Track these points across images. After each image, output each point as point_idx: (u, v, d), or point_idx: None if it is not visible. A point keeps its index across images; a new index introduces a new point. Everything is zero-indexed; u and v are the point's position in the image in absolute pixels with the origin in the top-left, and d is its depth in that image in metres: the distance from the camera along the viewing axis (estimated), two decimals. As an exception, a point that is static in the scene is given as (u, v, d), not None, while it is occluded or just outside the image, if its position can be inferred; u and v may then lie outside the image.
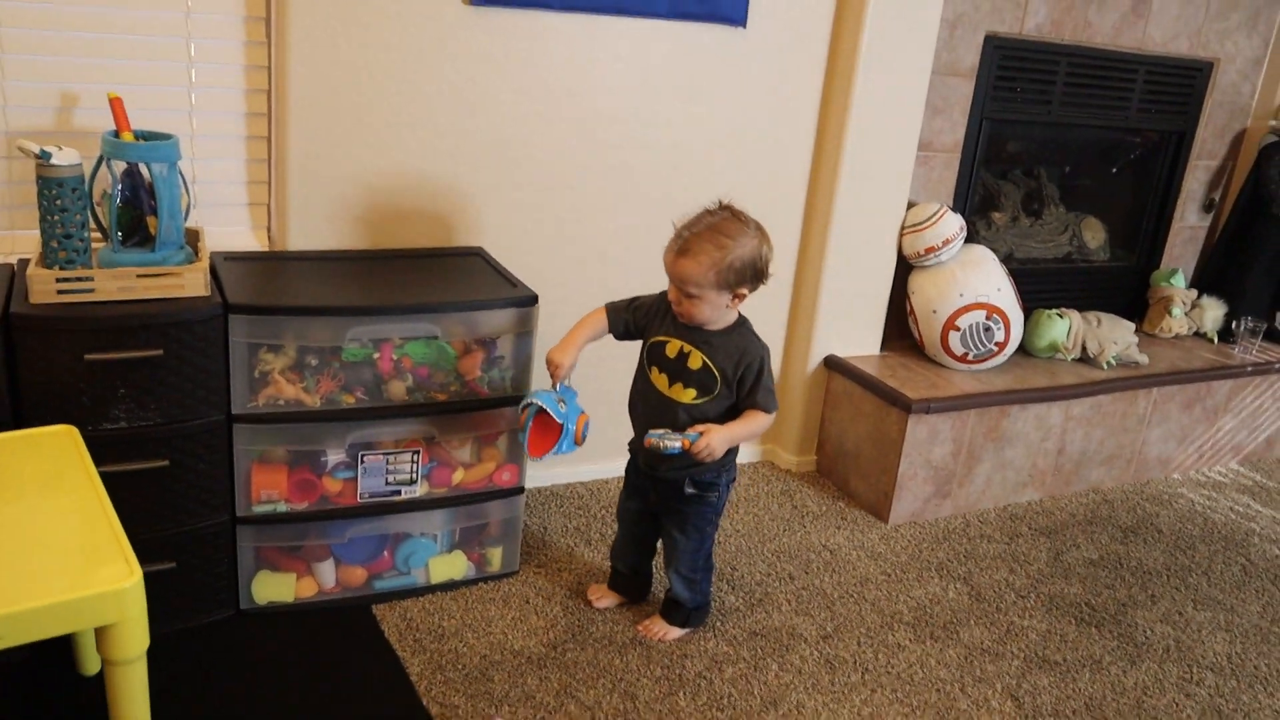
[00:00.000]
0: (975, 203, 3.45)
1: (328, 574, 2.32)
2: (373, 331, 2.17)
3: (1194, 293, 3.83)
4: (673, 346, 2.18)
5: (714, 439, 2.10)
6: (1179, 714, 2.32)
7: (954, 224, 3.04)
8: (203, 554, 2.17)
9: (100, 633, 1.49)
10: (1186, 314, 3.77)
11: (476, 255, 2.55)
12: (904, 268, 3.17)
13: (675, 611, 2.35)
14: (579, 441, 2.19)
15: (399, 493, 2.29)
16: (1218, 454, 3.67)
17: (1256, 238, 3.77)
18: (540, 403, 2.13)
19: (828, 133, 2.95)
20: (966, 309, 3.03)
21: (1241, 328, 3.75)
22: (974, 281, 3.05)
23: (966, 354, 3.10)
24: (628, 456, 2.35)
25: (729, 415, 2.18)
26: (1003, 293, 3.08)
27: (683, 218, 2.12)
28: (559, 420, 2.13)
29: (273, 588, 2.27)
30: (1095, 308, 3.57)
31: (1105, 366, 3.34)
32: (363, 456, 2.23)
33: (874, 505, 3.01)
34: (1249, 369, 3.59)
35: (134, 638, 1.50)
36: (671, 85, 2.73)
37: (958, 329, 3.05)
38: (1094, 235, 3.79)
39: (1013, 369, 3.22)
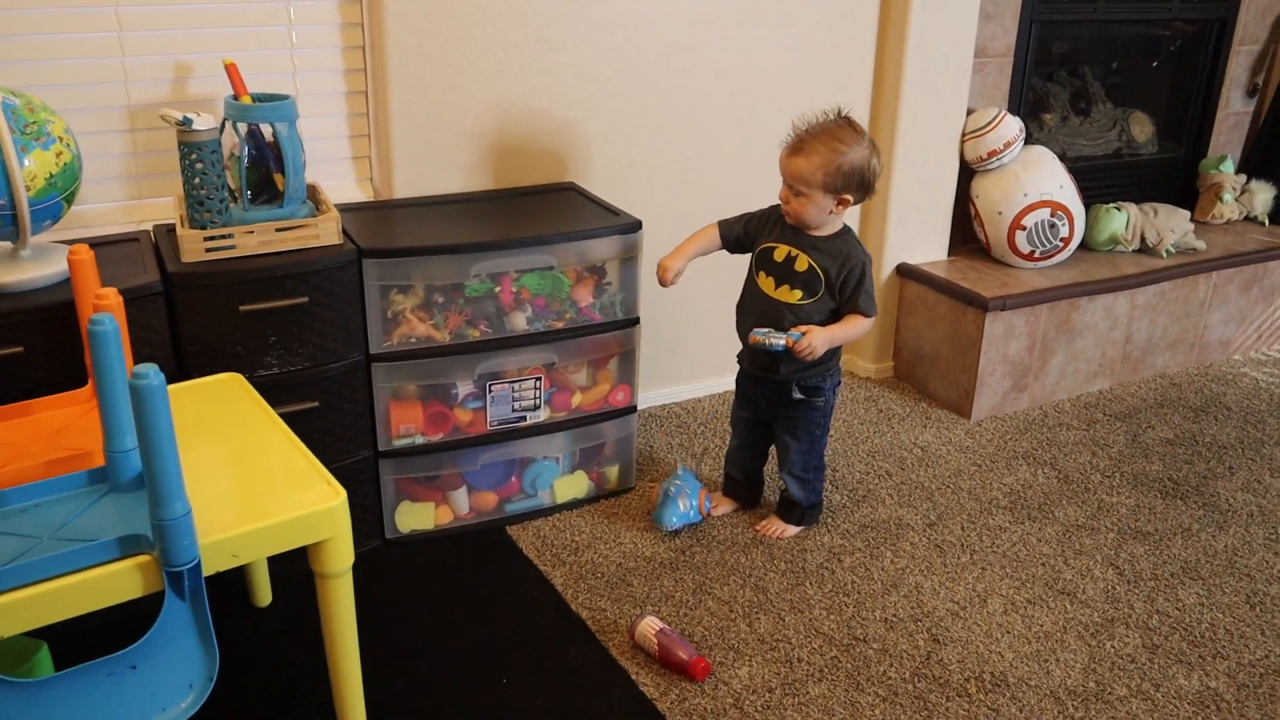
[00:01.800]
0: (1027, 105, 3.53)
1: (462, 501, 2.47)
2: (492, 266, 2.30)
3: (1243, 178, 3.91)
4: (780, 251, 2.31)
5: (815, 338, 2.24)
6: (1270, 570, 2.46)
7: (1014, 126, 3.14)
8: (351, 488, 2.28)
9: (313, 549, 1.64)
10: (1237, 199, 3.86)
11: (570, 190, 2.67)
12: (964, 173, 3.27)
13: (791, 510, 2.49)
14: (703, 514, 2.53)
15: (524, 418, 2.44)
16: (1276, 333, 3.78)
17: (1301, 119, 3.84)
18: (673, 525, 2.49)
19: (888, 45, 3.04)
20: (1032, 208, 3.14)
21: (1292, 209, 3.84)
22: (1037, 180, 3.15)
23: (1033, 252, 3.21)
24: (719, 376, 2.46)
25: (831, 319, 2.31)
26: (1065, 190, 3.18)
27: (801, 118, 2.24)
28: (692, 522, 2.52)
29: (414, 517, 2.43)
30: (1148, 199, 3.66)
31: (1165, 255, 3.44)
32: (490, 386, 2.37)
33: (955, 403, 3.14)
34: (1302, 248, 3.68)
35: (343, 551, 1.65)
36: (735, 10, 2.82)
37: (1024, 228, 3.16)
38: (1141, 129, 3.87)
39: (1077, 264, 3.33)
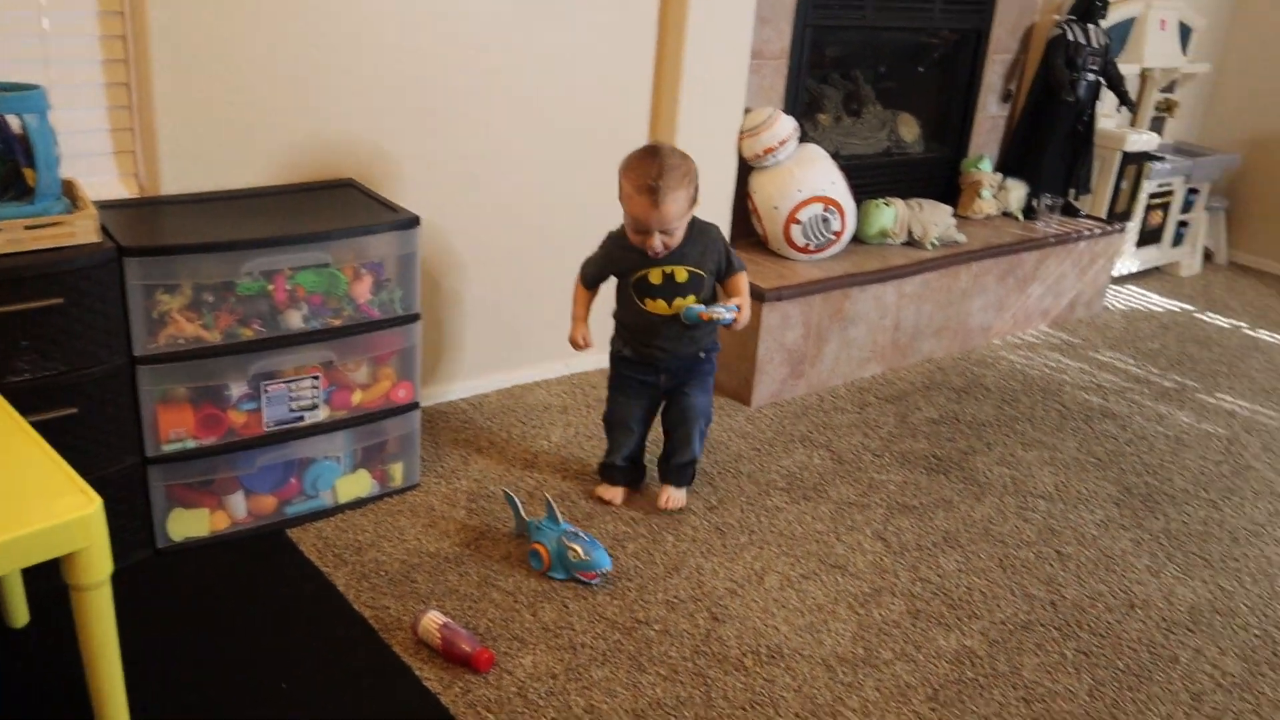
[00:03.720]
0: (802, 106, 3.68)
1: (239, 505, 2.40)
2: (265, 264, 2.24)
3: (999, 176, 4.20)
4: (655, 274, 2.43)
5: (746, 313, 2.49)
6: (1020, 536, 2.67)
7: (788, 125, 3.28)
8: (117, 497, 2.21)
9: (67, 561, 1.57)
10: (994, 196, 4.14)
11: (349, 186, 2.63)
12: (743, 170, 3.39)
13: (685, 473, 2.66)
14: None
15: (302, 418, 2.39)
16: (1029, 318, 4.08)
17: (1049, 122, 4.15)
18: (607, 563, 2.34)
19: (666, 47, 3.12)
20: (806, 203, 3.29)
21: (1042, 204, 4.16)
22: (810, 177, 3.30)
23: (808, 245, 3.36)
24: (504, 371, 2.73)
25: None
26: (836, 186, 3.35)
27: (629, 168, 2.35)
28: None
29: (187, 524, 2.35)
30: (915, 195, 3.88)
31: (930, 247, 3.66)
32: (265, 387, 2.32)
33: (736, 391, 3.26)
34: (1051, 240, 3.99)
35: (99, 561, 1.59)
36: (515, 8, 2.84)
37: (799, 222, 3.31)
38: (909, 130, 4.10)
39: (849, 256, 3.50)
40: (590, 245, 3.20)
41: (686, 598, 2.31)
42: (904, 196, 3.82)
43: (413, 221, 2.40)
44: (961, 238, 3.75)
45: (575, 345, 2.57)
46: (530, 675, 2.04)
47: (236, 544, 2.38)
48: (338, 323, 2.37)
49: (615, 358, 2.61)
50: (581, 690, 2.01)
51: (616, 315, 2.57)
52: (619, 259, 2.48)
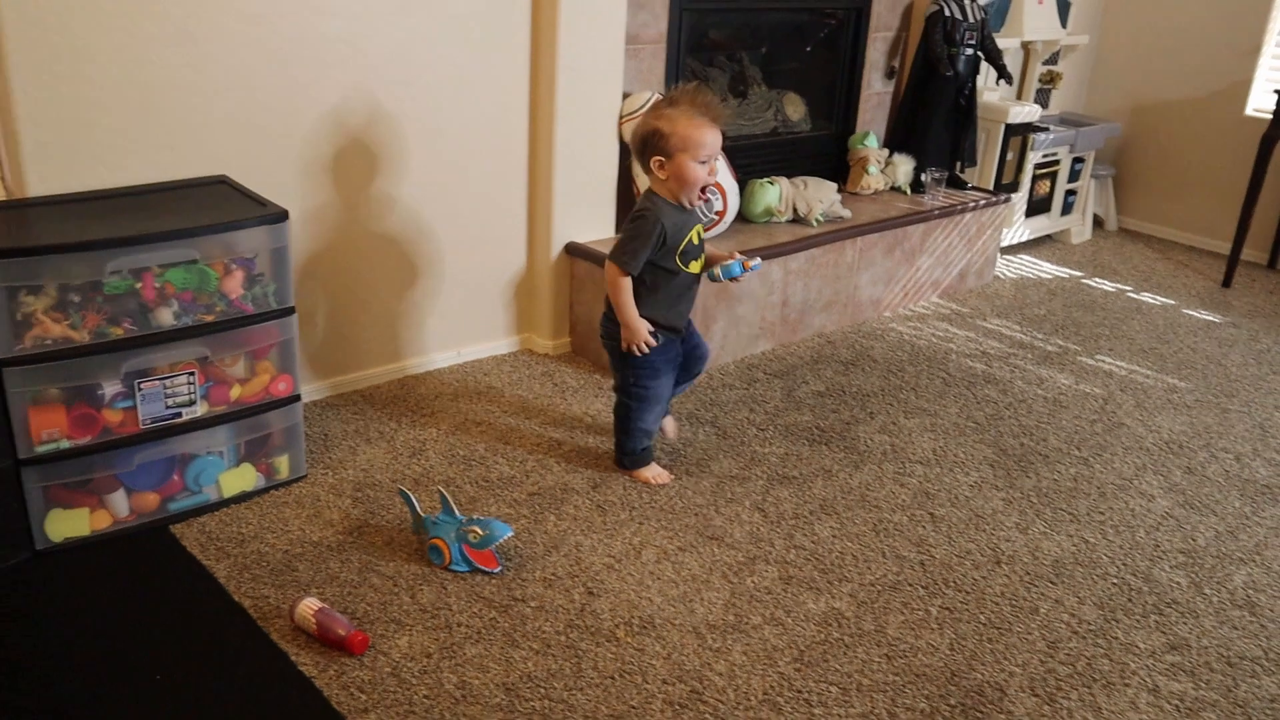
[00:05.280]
0: (686, 89, 3.74)
1: (120, 503, 2.42)
2: (131, 262, 2.26)
3: (886, 151, 4.30)
4: (696, 233, 2.62)
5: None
6: (895, 500, 2.76)
7: (666, 109, 3.33)
8: (-10, 500, 2.23)
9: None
10: (882, 171, 4.24)
11: (222, 183, 2.64)
12: (626, 154, 3.45)
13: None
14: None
15: (180, 414, 2.41)
16: (919, 290, 4.19)
17: (932, 97, 4.26)
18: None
19: (541, 33, 3.16)
20: (687, 185, 3.35)
21: (929, 178, 4.26)
22: (690, 159, 3.36)
23: (692, 226, 3.42)
24: (393, 360, 2.80)
25: None
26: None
27: (690, 101, 2.45)
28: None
29: (67, 524, 2.36)
30: (805, 174, 3.97)
31: (814, 223, 3.75)
32: (139, 384, 2.33)
33: (627, 372, 3.32)
34: (936, 213, 4.10)
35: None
36: (385, 1, 2.86)
37: (682, 204, 3.37)
38: (795, 109, 4.18)
39: (734, 235, 3.58)
40: (473, 234, 3.24)
41: (564, 574, 2.37)
42: (793, 175, 3.90)
43: (281, 216, 2.42)
44: (846, 213, 3.85)
45: (647, 345, 2.58)
46: (405, 655, 2.09)
47: (117, 542, 2.40)
48: (210, 318, 2.40)
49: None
50: (454, 667, 2.07)
51: (663, 298, 2.62)
52: (670, 229, 2.52)
